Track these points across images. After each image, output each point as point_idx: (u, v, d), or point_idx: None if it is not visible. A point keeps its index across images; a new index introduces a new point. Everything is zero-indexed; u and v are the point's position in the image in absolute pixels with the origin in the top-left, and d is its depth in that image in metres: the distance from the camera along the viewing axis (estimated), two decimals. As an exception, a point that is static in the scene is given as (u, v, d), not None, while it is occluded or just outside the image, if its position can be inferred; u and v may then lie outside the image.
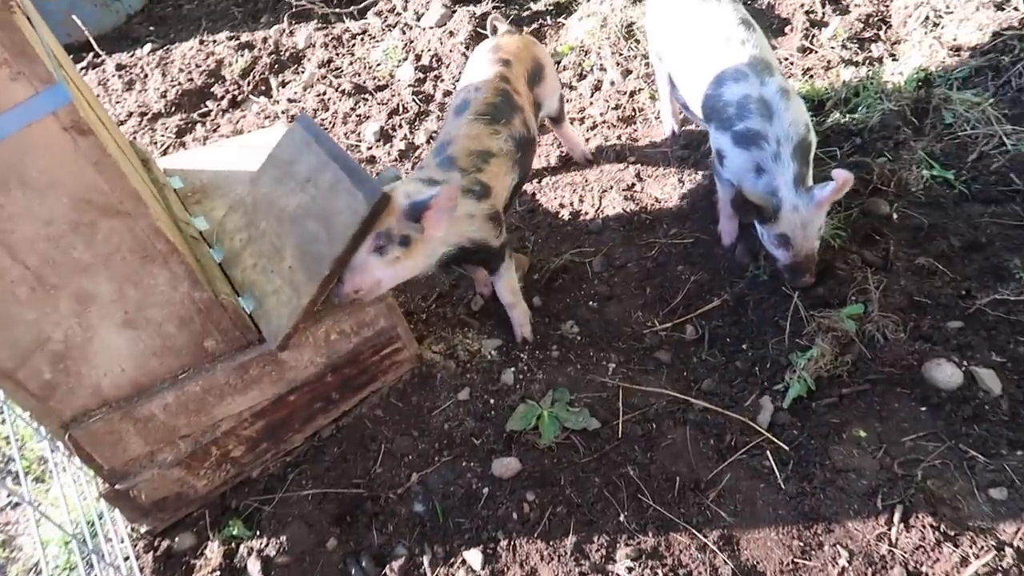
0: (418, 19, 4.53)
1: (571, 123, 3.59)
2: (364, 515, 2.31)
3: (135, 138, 4.16)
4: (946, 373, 2.26)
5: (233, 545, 2.29)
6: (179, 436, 2.19)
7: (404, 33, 4.47)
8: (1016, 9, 3.26)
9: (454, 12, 4.37)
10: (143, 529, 2.32)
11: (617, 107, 3.59)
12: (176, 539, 2.33)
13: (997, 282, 2.47)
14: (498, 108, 2.52)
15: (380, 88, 4.13)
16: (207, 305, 2.00)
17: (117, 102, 4.52)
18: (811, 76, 3.44)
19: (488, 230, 2.40)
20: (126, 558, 2.26)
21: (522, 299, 2.67)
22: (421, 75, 4.10)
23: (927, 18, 3.45)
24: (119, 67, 4.83)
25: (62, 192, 1.64)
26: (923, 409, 2.25)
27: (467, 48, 4.11)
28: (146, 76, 4.70)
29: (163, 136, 4.12)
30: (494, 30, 2.99)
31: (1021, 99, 3.02)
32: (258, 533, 2.30)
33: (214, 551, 2.27)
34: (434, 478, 2.34)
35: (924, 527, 1.98)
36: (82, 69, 4.94)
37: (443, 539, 2.21)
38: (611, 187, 3.23)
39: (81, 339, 1.87)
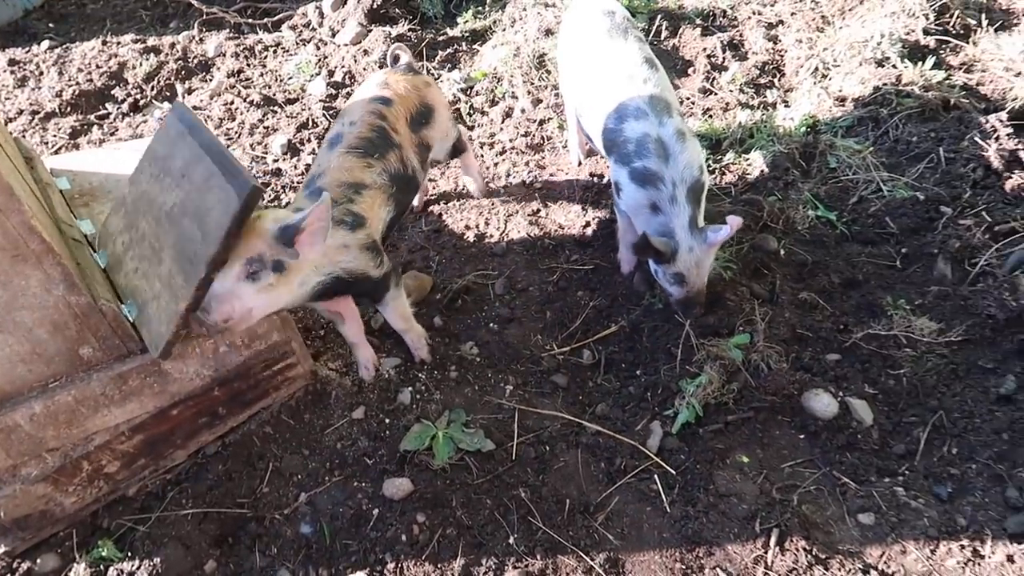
0: (333, 35, 4.50)
1: (477, 156, 3.62)
2: (247, 536, 2.23)
3: (24, 136, 3.94)
4: (823, 403, 2.38)
5: (102, 567, 2.17)
6: (46, 449, 2.06)
7: (318, 48, 4.43)
8: (894, 67, 3.52)
9: (370, 31, 4.37)
10: (1, 550, 2.16)
11: (526, 134, 3.65)
12: (38, 561, 2.18)
13: (871, 318, 2.63)
14: (372, 143, 2.44)
15: (290, 101, 4.07)
16: (84, 310, 1.90)
17: (7, 98, 4.28)
18: (710, 116, 3.60)
19: (365, 260, 2.30)
20: (-21, 581, 2.10)
21: (415, 322, 2.63)
22: (333, 91, 4.06)
23: (816, 69, 3.68)
24: (12, 62, 4.59)
25: (-76, 182, 1.54)
26: (801, 437, 2.35)
27: (381, 67, 4.10)
28: (41, 74, 4.48)
29: (55, 136, 3.92)
30: (395, 59, 2.91)
31: (897, 149, 3.25)
32: (130, 555, 2.18)
33: (80, 574, 2.14)
34: (323, 499, 2.29)
35: (798, 550, 2.06)
36: (-30, 62, 4.67)
37: (329, 562, 2.16)
38: (517, 212, 3.27)
39: (-62, 341, 1.75)
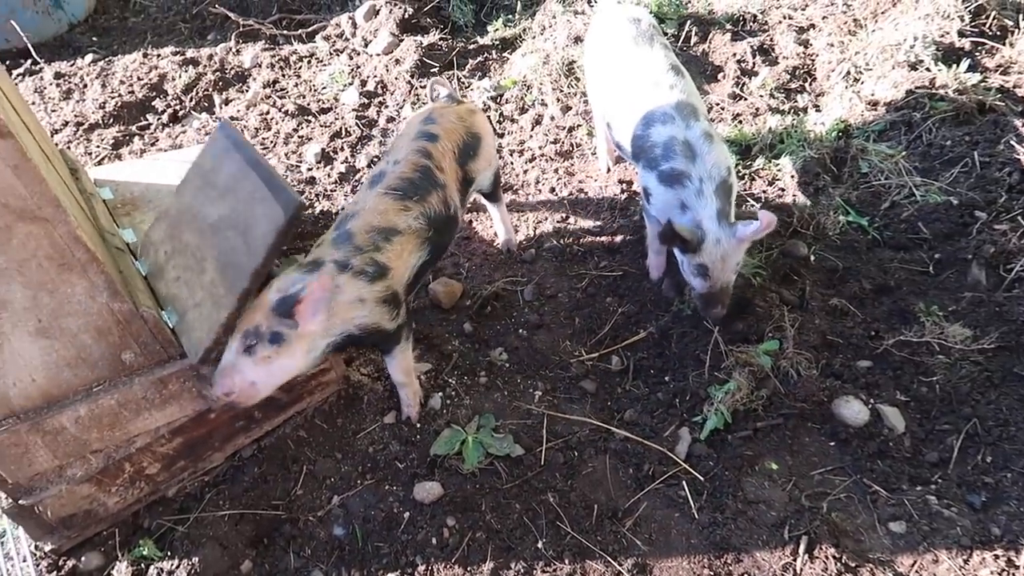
0: (366, 45, 4.57)
1: (506, 164, 3.66)
2: (282, 538, 2.28)
3: (69, 147, 4.07)
4: (854, 410, 2.36)
5: (143, 566, 2.24)
6: (91, 451, 2.14)
7: (351, 58, 4.51)
8: (928, 70, 3.48)
9: (401, 40, 4.43)
10: (48, 547, 2.25)
11: (556, 141, 3.68)
12: (83, 559, 2.26)
13: (903, 324, 2.60)
14: (413, 184, 2.37)
15: (324, 111, 4.15)
16: (127, 317, 1.97)
17: (53, 110, 4.42)
18: (740, 121, 3.59)
19: (381, 313, 2.23)
20: (27, 578, 2.18)
21: (415, 380, 2.53)
22: (366, 100, 4.13)
23: (848, 73, 3.65)
24: (58, 76, 4.74)
25: (-23, 195, 1.62)
26: (832, 444, 2.34)
27: (412, 76, 4.16)
28: (85, 86, 4.62)
29: (99, 147, 4.04)
30: (435, 95, 2.84)
31: (930, 153, 3.21)
32: (170, 554, 2.25)
33: (122, 572, 2.21)
34: (355, 501, 2.34)
35: (827, 558, 2.05)
36: (18, 76, 4.83)
37: (361, 564, 2.20)
38: (546, 218, 3.30)
39: (-10, 347, 1.82)
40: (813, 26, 4.11)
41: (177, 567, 2.20)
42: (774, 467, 2.29)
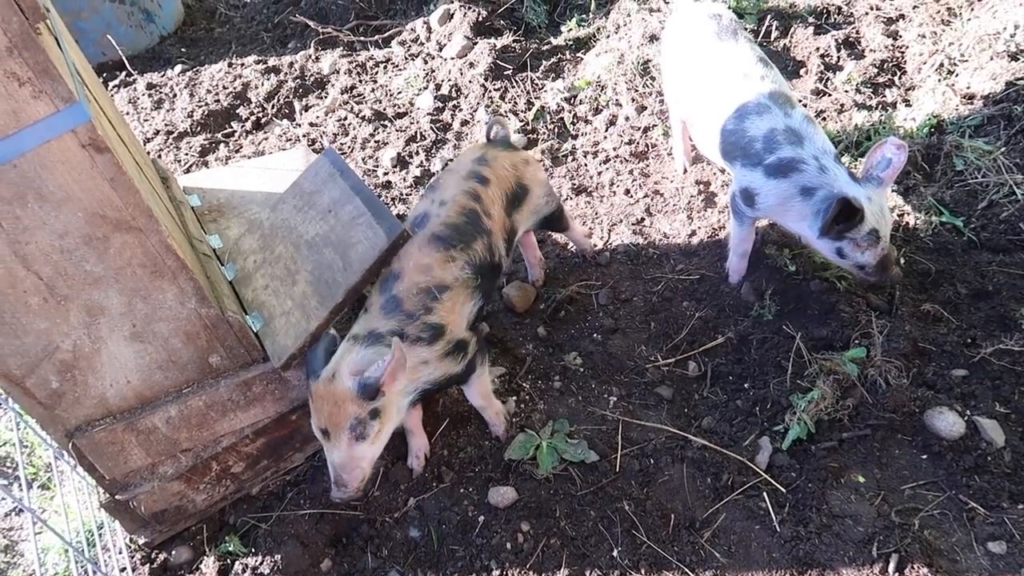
0: (440, 49, 4.62)
1: (581, 166, 3.63)
2: (360, 538, 2.33)
3: (160, 156, 4.25)
4: (948, 422, 2.25)
5: (228, 561, 2.32)
6: (180, 450, 2.23)
7: (426, 63, 4.56)
8: (1031, 60, 3.27)
9: (475, 44, 4.45)
10: (141, 541, 2.36)
11: (630, 142, 3.62)
12: (173, 552, 2.36)
13: (1003, 332, 2.46)
14: (459, 230, 2.28)
15: (400, 115, 4.21)
16: (213, 321, 2.05)
17: (145, 120, 4.63)
18: (824, 119, 3.45)
19: (447, 365, 2.21)
20: (123, 569, 2.29)
21: (494, 399, 2.49)
22: (440, 104, 4.17)
23: (942, 65, 3.46)
24: (149, 86, 4.96)
25: (77, 206, 1.70)
26: (924, 457, 2.24)
27: (486, 79, 4.18)
28: (175, 96, 4.82)
29: (187, 155, 4.21)
30: (495, 135, 2.70)
31: (1033, 149, 3.02)
32: (254, 551, 2.33)
33: (209, 566, 2.30)
34: (431, 504, 2.36)
35: (919, 577, 1.96)
36: (114, 87, 5.07)
37: (436, 566, 2.23)
38: (620, 221, 3.26)
39: (89, 350, 1.92)
40: (903, 16, 3.93)
41: (261, 563, 2.28)
42: (861, 480, 2.20)
